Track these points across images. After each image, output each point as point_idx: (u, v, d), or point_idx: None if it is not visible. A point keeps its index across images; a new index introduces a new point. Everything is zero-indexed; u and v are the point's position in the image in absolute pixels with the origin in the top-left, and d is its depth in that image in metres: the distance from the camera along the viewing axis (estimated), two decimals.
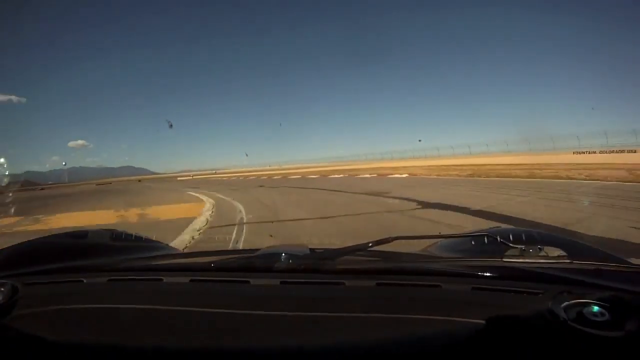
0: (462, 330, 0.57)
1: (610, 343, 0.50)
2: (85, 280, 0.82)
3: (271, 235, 4.63)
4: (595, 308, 0.55)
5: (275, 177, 25.28)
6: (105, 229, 1.29)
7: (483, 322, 0.58)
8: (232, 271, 0.83)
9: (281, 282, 0.75)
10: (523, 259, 0.72)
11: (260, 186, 16.27)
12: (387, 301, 0.68)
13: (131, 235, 1.29)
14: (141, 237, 1.30)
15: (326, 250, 0.89)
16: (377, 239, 0.85)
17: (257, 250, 0.94)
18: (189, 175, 47.76)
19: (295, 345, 0.56)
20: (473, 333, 0.56)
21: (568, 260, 0.69)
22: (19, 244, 1.01)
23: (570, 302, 0.58)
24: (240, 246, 4.33)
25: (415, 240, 1.10)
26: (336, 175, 21.45)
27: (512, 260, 0.71)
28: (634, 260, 0.78)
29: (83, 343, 0.59)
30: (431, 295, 0.69)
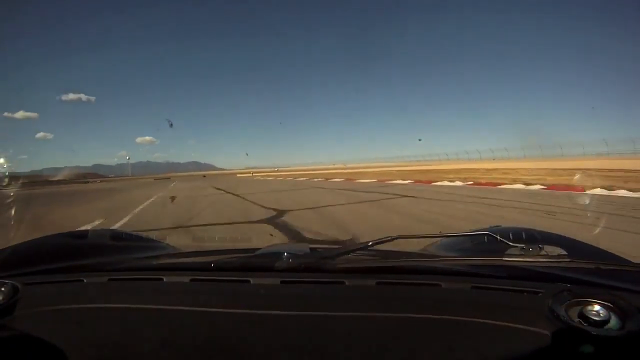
0: (462, 329, 0.57)
1: (611, 342, 0.50)
2: (85, 280, 0.82)
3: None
4: (597, 307, 0.55)
5: (336, 180, 17.13)
6: (106, 229, 1.29)
7: (483, 321, 0.58)
8: (232, 270, 0.83)
9: (282, 282, 0.75)
10: (523, 258, 0.71)
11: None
12: (388, 300, 0.68)
13: (131, 234, 1.29)
14: (141, 237, 1.31)
15: (326, 249, 0.89)
16: (378, 238, 0.85)
17: (257, 249, 0.94)
18: (249, 173, 46.12)
19: (296, 345, 0.56)
20: (473, 332, 0.56)
21: (569, 260, 0.69)
22: (19, 243, 1.01)
23: (571, 301, 0.58)
24: None
25: (416, 240, 1.10)
26: (459, 183, 11.04)
27: (512, 259, 0.71)
28: (635, 260, 0.78)
29: (84, 343, 0.59)
30: (431, 294, 0.69)
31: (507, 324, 0.57)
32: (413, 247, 1.12)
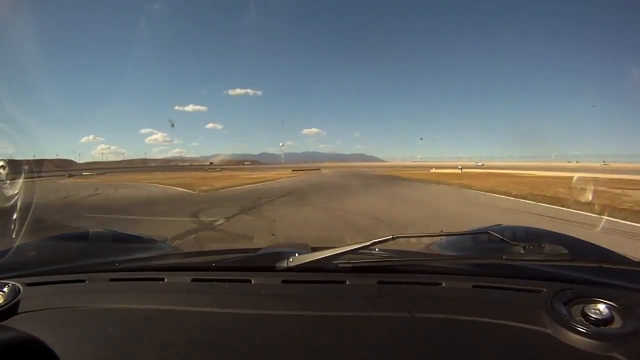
0: (464, 328, 0.57)
1: (612, 340, 0.50)
2: (87, 281, 0.82)
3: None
4: (599, 306, 0.55)
5: None
6: (107, 230, 1.29)
7: (484, 320, 0.57)
8: (233, 270, 0.83)
9: (283, 281, 0.75)
10: (525, 257, 0.71)
11: None
12: (389, 299, 0.68)
13: (132, 235, 1.29)
14: (142, 237, 1.31)
15: (327, 249, 0.89)
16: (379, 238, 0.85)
17: (258, 249, 0.94)
18: (458, 167, 36.70)
19: (297, 345, 0.56)
20: (475, 331, 0.56)
21: (570, 258, 0.69)
22: (21, 244, 1.02)
23: (573, 300, 0.58)
24: None
25: (417, 239, 1.10)
26: None
27: (513, 258, 0.71)
28: (635, 258, 0.78)
29: (85, 343, 0.59)
30: (432, 293, 0.69)
31: (508, 322, 0.56)
32: (414, 246, 1.12)
